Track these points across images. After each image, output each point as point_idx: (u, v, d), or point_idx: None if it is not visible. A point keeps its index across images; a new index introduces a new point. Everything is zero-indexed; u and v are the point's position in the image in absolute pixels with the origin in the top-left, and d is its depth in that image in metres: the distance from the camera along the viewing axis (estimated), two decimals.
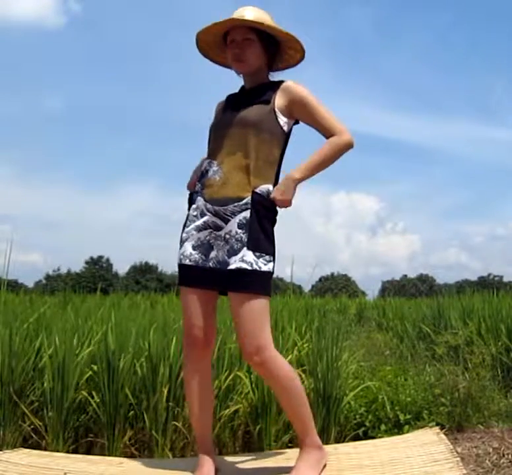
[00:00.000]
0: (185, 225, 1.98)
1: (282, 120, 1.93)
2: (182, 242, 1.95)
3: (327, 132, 1.95)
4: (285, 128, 1.95)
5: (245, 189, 1.88)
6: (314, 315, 4.22)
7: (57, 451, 2.58)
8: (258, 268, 1.83)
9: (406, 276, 49.88)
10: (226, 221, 1.88)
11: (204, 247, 1.90)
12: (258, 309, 1.83)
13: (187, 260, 1.91)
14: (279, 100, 1.93)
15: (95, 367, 2.90)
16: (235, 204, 1.87)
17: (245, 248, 1.83)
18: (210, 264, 1.89)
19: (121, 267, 48.21)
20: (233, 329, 1.98)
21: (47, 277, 41.54)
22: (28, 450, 2.32)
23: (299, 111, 1.95)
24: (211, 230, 1.90)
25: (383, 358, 4.52)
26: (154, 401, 2.78)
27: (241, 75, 2.04)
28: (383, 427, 2.89)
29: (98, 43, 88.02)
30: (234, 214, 1.87)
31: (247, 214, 1.86)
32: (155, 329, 3.09)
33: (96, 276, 42.56)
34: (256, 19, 1.90)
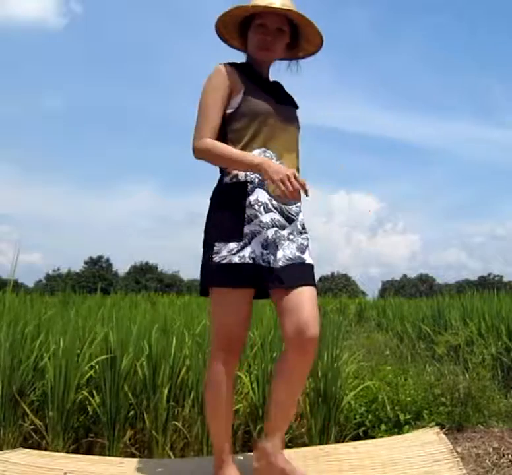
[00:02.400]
0: (242, 220, 1.78)
1: None
2: (248, 239, 1.77)
3: None
4: None
5: None
6: None
7: (57, 451, 2.58)
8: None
9: (406, 276, 49.96)
10: (290, 221, 1.84)
11: (272, 247, 1.76)
12: None
13: (262, 261, 1.75)
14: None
15: (96, 367, 2.90)
16: (297, 205, 1.88)
17: (309, 246, 1.86)
18: (280, 263, 1.75)
19: (121, 267, 48.22)
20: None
21: (47, 277, 41.62)
22: (28, 450, 2.31)
23: None
24: (277, 229, 1.79)
25: (383, 358, 4.52)
26: (154, 401, 2.78)
27: (249, 57, 1.94)
28: (383, 427, 2.89)
29: (98, 44, 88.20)
30: (297, 214, 1.87)
31: (302, 214, 1.89)
32: (156, 329, 3.09)
33: (96, 276, 42.58)
34: (289, 6, 1.81)
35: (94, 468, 2.06)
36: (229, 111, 1.85)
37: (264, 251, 1.76)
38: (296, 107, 1.99)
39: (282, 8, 1.80)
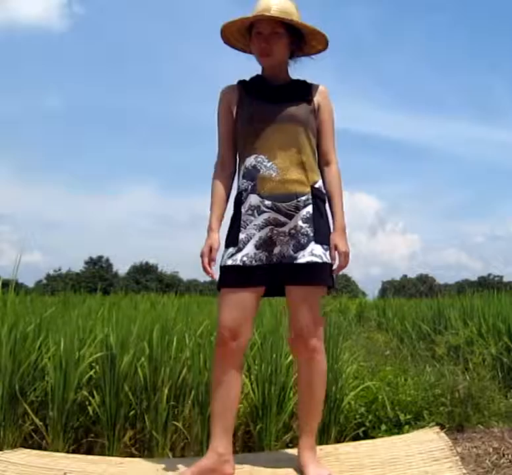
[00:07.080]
0: (238, 226, 1.92)
1: (316, 122, 2.00)
2: (242, 244, 1.90)
3: (325, 154, 2.02)
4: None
5: (304, 184, 1.93)
6: None
7: (58, 451, 2.57)
8: (327, 260, 1.91)
9: (406, 276, 49.91)
10: (290, 216, 1.90)
11: (267, 244, 1.90)
12: (320, 301, 1.96)
13: (254, 261, 1.88)
14: (316, 103, 1.99)
15: (96, 367, 2.90)
16: (299, 199, 1.91)
17: (313, 242, 1.90)
18: (274, 259, 1.90)
19: (121, 267, 48.16)
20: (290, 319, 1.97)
21: (48, 277, 41.59)
22: (27, 450, 2.31)
23: (320, 120, 2.00)
24: (272, 227, 1.90)
25: (383, 358, 4.52)
26: (154, 401, 2.78)
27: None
28: (383, 427, 2.89)
29: (100, 45, 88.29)
30: (298, 209, 1.91)
31: (309, 209, 1.92)
32: (156, 329, 3.09)
33: (96, 276, 42.55)
34: (283, 11, 1.88)
35: (94, 468, 2.05)
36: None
37: (257, 251, 1.89)
38: (305, 101, 1.98)
39: (271, 16, 1.87)
